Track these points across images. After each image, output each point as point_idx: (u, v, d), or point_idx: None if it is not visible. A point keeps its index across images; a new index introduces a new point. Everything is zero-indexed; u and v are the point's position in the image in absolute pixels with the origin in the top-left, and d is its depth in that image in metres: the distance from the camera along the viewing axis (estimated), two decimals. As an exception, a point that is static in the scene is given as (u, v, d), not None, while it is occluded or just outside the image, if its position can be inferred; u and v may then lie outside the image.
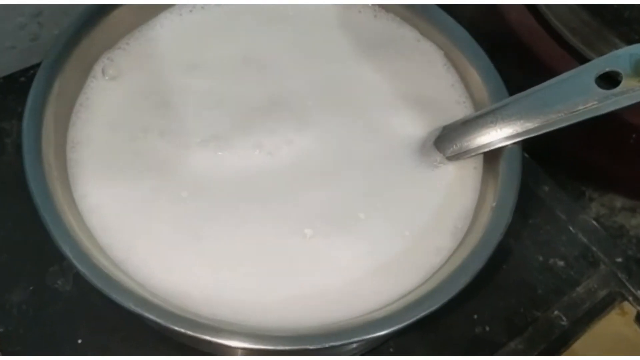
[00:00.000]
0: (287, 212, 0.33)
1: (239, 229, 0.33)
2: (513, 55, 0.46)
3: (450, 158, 0.36)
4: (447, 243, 0.33)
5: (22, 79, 0.46)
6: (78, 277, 0.39)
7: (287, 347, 0.27)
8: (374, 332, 0.28)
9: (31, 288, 0.38)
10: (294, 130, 0.36)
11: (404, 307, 0.29)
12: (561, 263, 0.44)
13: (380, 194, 0.35)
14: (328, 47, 0.40)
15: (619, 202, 0.51)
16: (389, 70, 0.39)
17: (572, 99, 0.33)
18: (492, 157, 0.35)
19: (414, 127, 0.37)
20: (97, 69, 0.36)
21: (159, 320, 0.27)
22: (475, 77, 0.37)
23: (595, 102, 0.32)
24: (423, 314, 0.28)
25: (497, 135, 0.35)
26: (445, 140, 0.36)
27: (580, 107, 0.32)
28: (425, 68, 0.39)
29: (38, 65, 0.46)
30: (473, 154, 0.36)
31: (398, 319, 0.28)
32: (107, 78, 0.36)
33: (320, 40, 0.40)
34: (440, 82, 0.38)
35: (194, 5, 0.39)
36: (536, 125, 0.34)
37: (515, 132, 0.34)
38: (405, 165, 0.36)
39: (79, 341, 0.37)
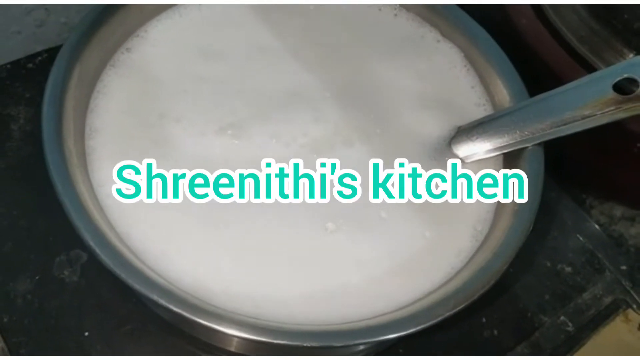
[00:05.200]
0: (307, 204, 0.33)
1: (258, 219, 0.32)
2: (521, 62, 0.46)
3: (465, 159, 0.36)
4: (467, 245, 0.33)
5: (30, 65, 0.45)
6: (85, 268, 0.38)
7: (313, 344, 0.27)
8: (402, 331, 0.28)
9: (37, 278, 0.37)
10: (311, 121, 0.36)
11: (430, 306, 0.28)
12: (568, 269, 0.44)
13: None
14: (347, 43, 0.39)
15: (618, 210, 0.51)
16: (408, 69, 0.39)
17: (590, 104, 0.33)
18: (513, 159, 0.35)
19: (432, 126, 0.37)
20: (116, 56, 0.36)
21: (185, 313, 0.26)
22: (496, 79, 0.37)
23: (612, 108, 0.32)
24: (448, 313, 0.28)
25: (513, 138, 0.35)
26: (460, 140, 0.36)
27: (598, 113, 0.33)
28: (445, 69, 0.39)
29: (45, 52, 0.46)
30: (487, 155, 0.36)
31: (425, 317, 0.28)
32: (124, 65, 0.36)
33: (339, 35, 0.40)
34: (460, 83, 0.38)
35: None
36: (553, 129, 0.34)
37: (531, 136, 0.34)
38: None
39: (86, 334, 0.36)
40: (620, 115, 0.33)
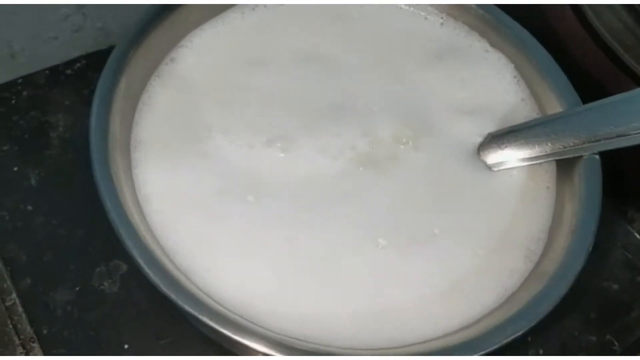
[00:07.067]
0: (358, 219, 0.32)
1: (306, 236, 0.31)
2: (564, 71, 0.45)
3: (493, 166, 0.35)
4: (519, 265, 0.32)
5: (68, 71, 0.45)
6: (125, 279, 0.37)
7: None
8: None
9: (77, 288, 0.37)
10: (359, 135, 0.35)
11: (486, 333, 0.27)
12: (615, 286, 0.43)
13: (451, 208, 0.34)
14: (393, 52, 0.38)
15: (662, 223, 0.49)
16: (456, 79, 0.38)
17: (631, 119, 0.31)
18: (566, 174, 0.34)
19: (480, 139, 0.36)
20: (161, 67, 0.35)
21: (234, 336, 0.26)
22: (548, 92, 0.36)
23: None
24: (505, 341, 0.27)
25: (545, 149, 0.33)
26: (489, 147, 0.35)
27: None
28: (493, 80, 0.38)
29: (83, 57, 0.46)
30: (517, 164, 0.35)
31: (483, 344, 0.27)
32: (169, 76, 0.35)
33: (384, 44, 0.39)
34: (509, 95, 0.37)
35: (257, 5, 0.38)
36: (588, 144, 0.32)
37: (565, 148, 0.33)
38: (473, 180, 0.35)
39: (125, 346, 0.36)
40: None
